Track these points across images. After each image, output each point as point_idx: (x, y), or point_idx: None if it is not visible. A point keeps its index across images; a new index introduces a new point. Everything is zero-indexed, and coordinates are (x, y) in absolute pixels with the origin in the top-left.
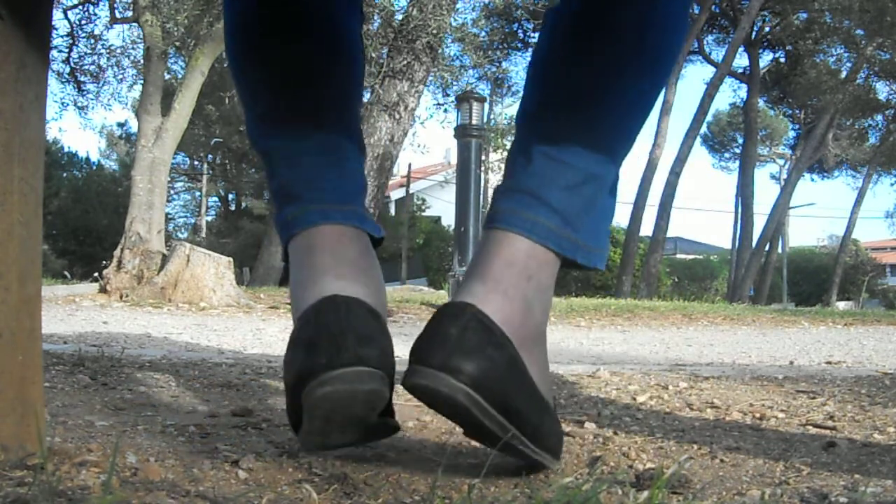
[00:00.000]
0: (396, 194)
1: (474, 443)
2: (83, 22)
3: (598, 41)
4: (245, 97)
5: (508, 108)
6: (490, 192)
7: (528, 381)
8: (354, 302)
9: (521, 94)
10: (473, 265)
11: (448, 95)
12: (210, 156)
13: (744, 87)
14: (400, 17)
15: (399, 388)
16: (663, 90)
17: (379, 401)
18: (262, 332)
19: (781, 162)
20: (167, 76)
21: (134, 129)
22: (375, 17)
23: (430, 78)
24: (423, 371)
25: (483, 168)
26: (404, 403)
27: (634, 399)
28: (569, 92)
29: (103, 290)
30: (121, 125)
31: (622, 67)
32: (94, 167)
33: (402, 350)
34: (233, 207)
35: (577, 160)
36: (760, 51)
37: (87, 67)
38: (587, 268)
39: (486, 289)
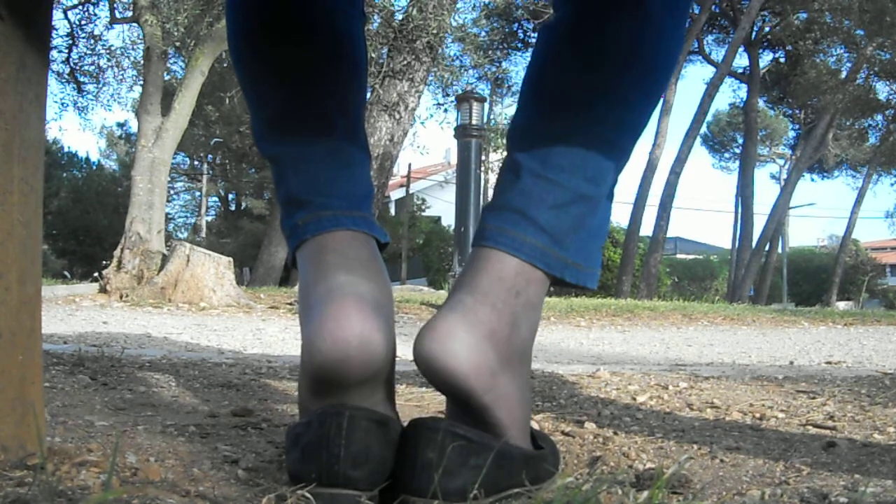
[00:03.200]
0: (396, 194)
1: None
2: (83, 22)
3: (591, 58)
4: (251, 101)
5: (508, 108)
6: (490, 193)
7: (518, 458)
8: (359, 414)
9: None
10: (462, 279)
11: (448, 95)
12: (210, 156)
13: (744, 87)
14: (400, 17)
15: (399, 388)
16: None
17: None
18: (262, 332)
19: (781, 162)
20: (167, 76)
21: (134, 129)
22: (375, 17)
23: (430, 78)
24: (414, 502)
25: (483, 168)
26: (404, 403)
27: (634, 399)
28: (559, 109)
29: (103, 290)
30: (121, 125)
31: (615, 85)
32: (94, 167)
33: (402, 350)
34: (233, 207)
35: (566, 179)
36: (760, 51)
37: (86, 68)
38: (577, 286)
39: (474, 300)
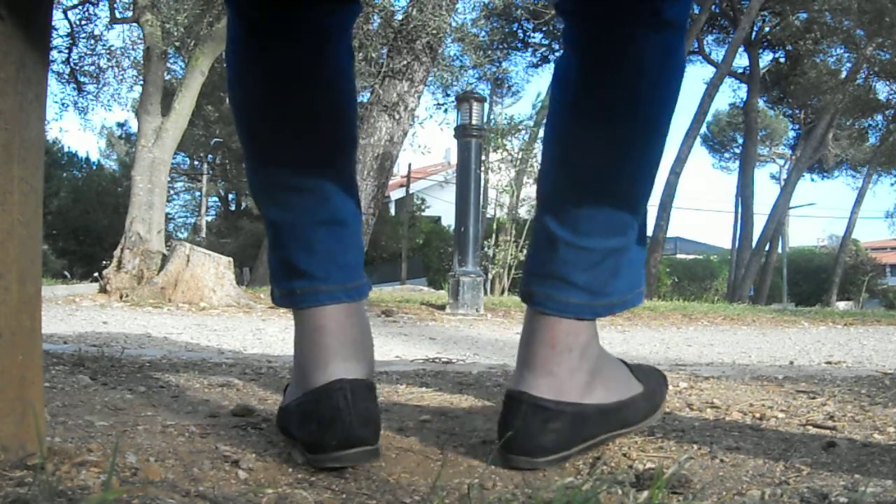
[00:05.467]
0: (396, 194)
1: (474, 442)
2: (83, 22)
3: (597, 109)
4: (250, 155)
5: (508, 108)
6: (490, 192)
7: (594, 415)
8: (359, 386)
9: (524, 107)
10: (522, 350)
11: (448, 95)
12: (210, 156)
13: (744, 87)
14: (400, 16)
15: (399, 387)
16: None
17: (377, 460)
18: (262, 332)
19: (781, 162)
20: (167, 76)
21: (134, 129)
22: (375, 17)
23: (430, 78)
24: (509, 457)
25: (483, 168)
26: (405, 403)
27: None
28: (580, 171)
29: (103, 290)
30: (121, 125)
31: (621, 137)
32: (94, 167)
33: (402, 350)
34: (233, 207)
35: (597, 243)
36: (760, 51)
37: (86, 68)
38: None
39: (534, 374)
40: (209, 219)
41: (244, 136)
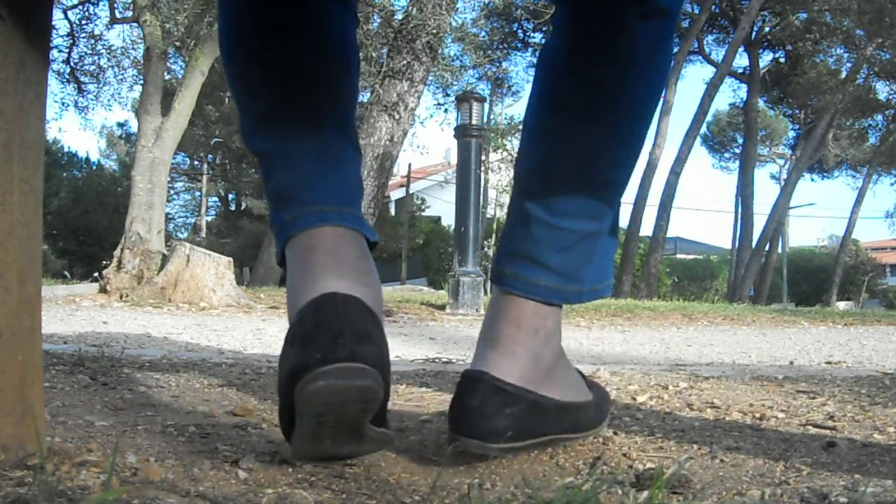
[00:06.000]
0: (396, 194)
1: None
2: (83, 22)
3: (582, 96)
4: (240, 98)
5: (508, 108)
6: (490, 192)
7: (550, 408)
8: (353, 300)
9: (524, 107)
10: (485, 329)
11: (448, 95)
12: (210, 156)
13: (744, 87)
14: (400, 16)
15: (399, 387)
16: (662, 92)
17: (372, 399)
18: (262, 332)
19: (781, 162)
20: (167, 76)
21: (134, 129)
22: (375, 17)
23: (430, 78)
24: (460, 440)
25: (483, 168)
26: (404, 404)
27: (634, 399)
28: (559, 152)
29: (103, 290)
30: (121, 125)
31: (606, 124)
32: (94, 167)
33: (402, 350)
34: (233, 207)
35: (571, 224)
36: (760, 51)
37: (87, 67)
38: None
39: (497, 353)
40: (209, 219)
41: (234, 69)
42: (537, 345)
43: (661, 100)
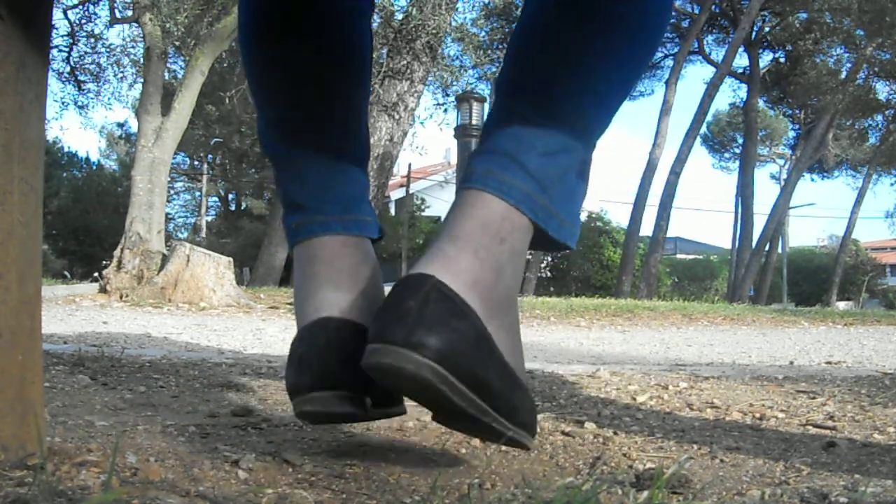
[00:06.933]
0: (396, 194)
1: (475, 442)
2: (83, 21)
3: (581, 15)
4: (256, 100)
5: None
6: None
7: (497, 355)
8: (346, 325)
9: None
10: (445, 224)
11: (448, 95)
12: (210, 156)
13: (744, 87)
14: (400, 16)
15: None
16: (663, 91)
17: (355, 419)
18: (262, 332)
19: (781, 162)
20: (167, 76)
21: (134, 129)
22: (375, 17)
23: (430, 78)
24: (384, 349)
25: None
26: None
27: (634, 399)
28: (553, 59)
29: (103, 290)
30: (121, 125)
31: (605, 41)
32: (94, 167)
33: None
34: (233, 207)
35: (556, 127)
36: (760, 51)
37: (87, 66)
38: (558, 243)
39: (456, 248)
40: (209, 219)
41: (248, 69)
42: (502, 255)
43: (663, 101)
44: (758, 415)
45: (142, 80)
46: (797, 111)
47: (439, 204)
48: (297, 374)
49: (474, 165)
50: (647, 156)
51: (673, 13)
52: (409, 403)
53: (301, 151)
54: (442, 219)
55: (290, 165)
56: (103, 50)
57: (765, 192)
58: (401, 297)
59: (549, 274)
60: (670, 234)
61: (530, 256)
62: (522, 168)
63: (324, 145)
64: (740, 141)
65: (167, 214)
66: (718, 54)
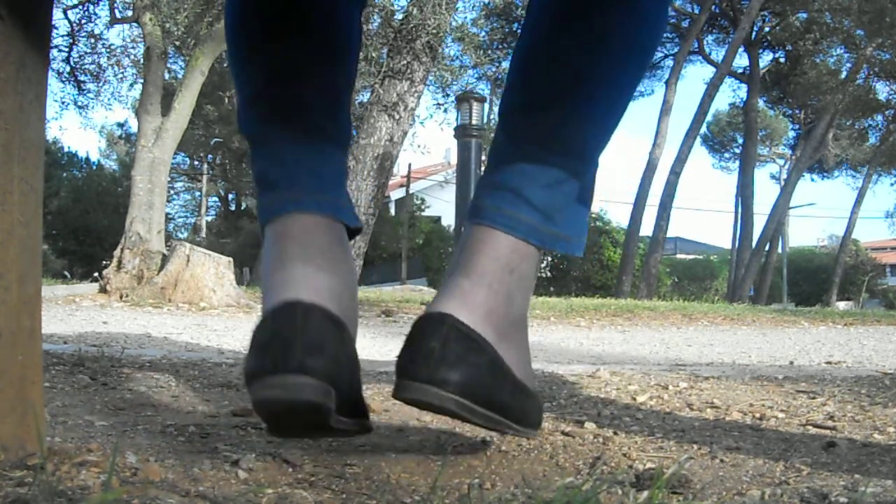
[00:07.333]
0: (396, 194)
1: (475, 442)
2: (83, 21)
3: (580, 40)
4: (237, 81)
5: None
6: None
7: (510, 377)
8: (314, 308)
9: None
10: (458, 259)
11: (448, 95)
12: (210, 156)
13: (744, 87)
14: (400, 16)
15: None
16: (663, 91)
17: (320, 412)
18: None
19: (781, 162)
20: (167, 76)
21: (134, 129)
22: (375, 17)
23: (430, 78)
24: (412, 386)
25: (483, 168)
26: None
27: (634, 399)
28: (550, 88)
29: (103, 290)
30: (121, 125)
31: (603, 66)
32: (94, 167)
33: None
34: (233, 207)
35: (559, 160)
36: (760, 51)
37: (87, 66)
38: (566, 254)
39: (471, 283)
40: (209, 219)
41: (231, 50)
42: (512, 285)
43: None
44: (758, 415)
45: (142, 80)
46: (797, 111)
47: (439, 204)
48: (257, 358)
49: (483, 200)
50: (647, 156)
51: (673, 13)
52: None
53: (279, 130)
54: (442, 219)
55: (267, 143)
56: (103, 50)
57: (765, 192)
58: (423, 336)
59: (549, 274)
60: (670, 234)
61: None
62: (527, 203)
63: (302, 123)
64: (740, 141)
65: (167, 214)
66: (718, 54)
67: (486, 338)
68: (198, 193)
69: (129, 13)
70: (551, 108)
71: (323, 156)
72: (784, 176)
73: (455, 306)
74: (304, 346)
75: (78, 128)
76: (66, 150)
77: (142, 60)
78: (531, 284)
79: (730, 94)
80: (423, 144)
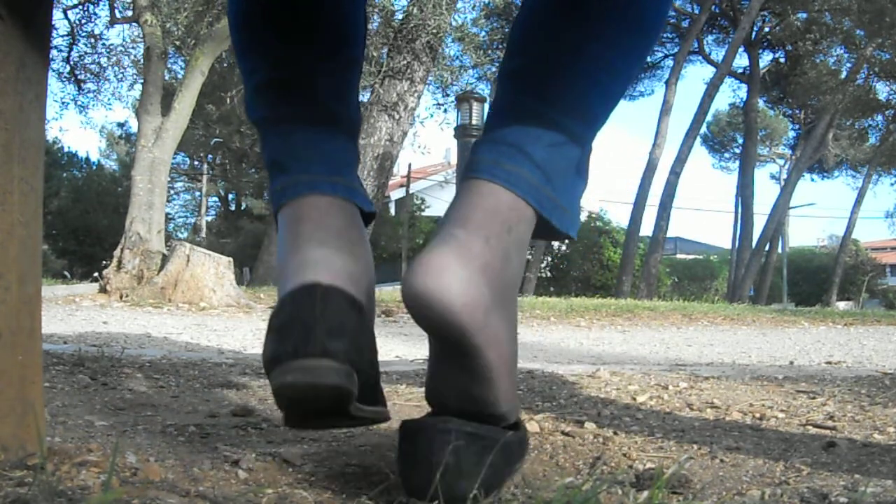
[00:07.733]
0: (396, 194)
1: None
2: (83, 21)
3: (582, 5)
4: (243, 68)
5: None
6: None
7: (514, 446)
8: (334, 291)
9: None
10: (453, 212)
11: (448, 95)
12: (210, 156)
13: (744, 87)
14: (400, 16)
15: (399, 387)
16: (663, 91)
17: (343, 396)
18: (263, 332)
19: (781, 162)
20: (167, 76)
21: (134, 129)
22: (375, 17)
23: (430, 78)
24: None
25: None
26: (404, 403)
27: (634, 399)
28: (553, 53)
29: (103, 290)
30: (121, 125)
31: (607, 31)
32: (94, 167)
33: (402, 350)
34: (233, 207)
35: (563, 119)
36: (760, 51)
37: (87, 66)
38: (560, 233)
39: (467, 233)
40: (209, 219)
41: (235, 35)
42: (510, 244)
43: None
44: (758, 415)
45: (142, 80)
46: (797, 111)
47: (439, 204)
48: (277, 343)
49: (481, 154)
50: (647, 156)
51: (673, 13)
52: (409, 404)
53: (290, 114)
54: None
55: (278, 126)
56: (103, 50)
57: (765, 192)
58: (431, 449)
59: (549, 274)
60: (670, 234)
61: (530, 256)
62: (529, 159)
63: (314, 107)
64: (740, 141)
65: (167, 214)
66: (718, 54)
67: (482, 298)
68: (198, 193)
69: (129, 13)
70: (553, 67)
71: (335, 142)
72: (784, 176)
73: (449, 254)
74: (326, 329)
75: (78, 128)
76: (66, 150)
77: (142, 60)
78: (525, 251)
79: (730, 94)
80: (423, 144)
